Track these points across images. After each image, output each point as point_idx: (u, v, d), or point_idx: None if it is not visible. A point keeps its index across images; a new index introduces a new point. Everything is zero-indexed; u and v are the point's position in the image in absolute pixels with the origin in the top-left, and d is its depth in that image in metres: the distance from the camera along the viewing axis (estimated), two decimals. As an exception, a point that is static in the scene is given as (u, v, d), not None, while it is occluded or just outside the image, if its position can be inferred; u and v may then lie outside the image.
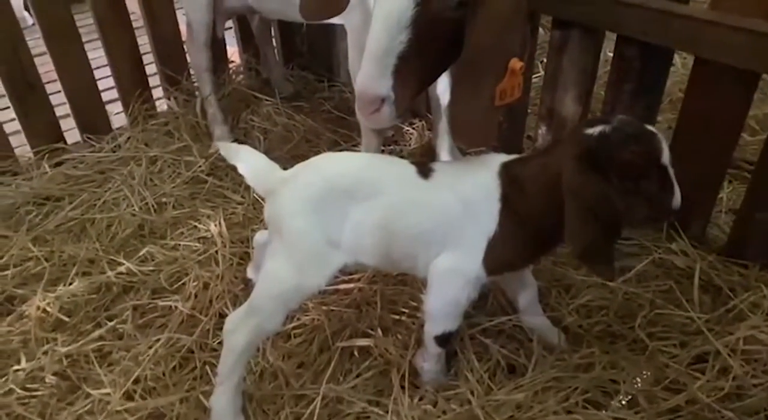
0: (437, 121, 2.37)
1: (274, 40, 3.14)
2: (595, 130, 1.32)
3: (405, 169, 1.51)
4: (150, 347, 1.73)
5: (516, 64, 1.41)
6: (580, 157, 1.29)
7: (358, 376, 1.66)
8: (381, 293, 1.87)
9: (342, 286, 1.93)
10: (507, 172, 1.44)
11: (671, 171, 1.36)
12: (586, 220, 1.29)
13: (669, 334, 1.71)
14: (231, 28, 3.14)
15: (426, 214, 1.44)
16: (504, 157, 1.49)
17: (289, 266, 1.47)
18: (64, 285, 1.96)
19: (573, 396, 1.51)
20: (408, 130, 2.72)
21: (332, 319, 1.82)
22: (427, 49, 1.41)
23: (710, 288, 1.86)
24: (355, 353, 1.73)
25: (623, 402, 1.53)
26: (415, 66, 1.42)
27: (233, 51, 3.21)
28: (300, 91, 3.09)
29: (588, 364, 1.61)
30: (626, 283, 1.86)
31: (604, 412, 1.48)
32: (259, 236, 1.81)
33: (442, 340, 1.52)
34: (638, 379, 1.56)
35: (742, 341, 1.61)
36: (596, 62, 2.08)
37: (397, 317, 1.79)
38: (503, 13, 1.40)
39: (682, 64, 2.92)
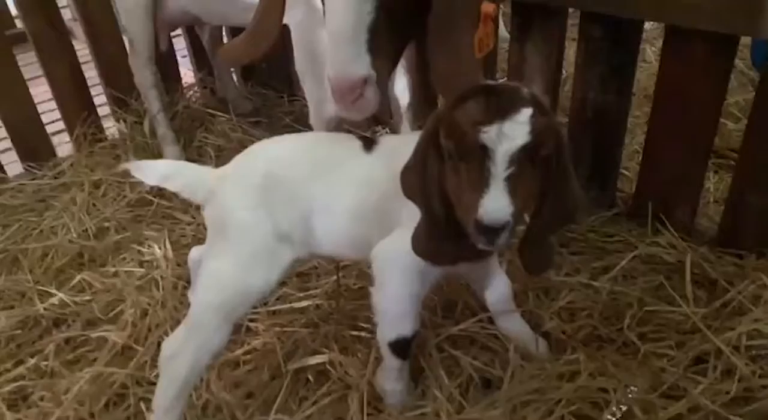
0: (398, 123, 2.21)
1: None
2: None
3: (349, 144, 1.36)
4: (75, 384, 1.52)
5: (488, 7, 1.30)
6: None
7: (314, 404, 1.45)
8: (340, 308, 1.67)
9: (296, 304, 1.73)
10: None
11: (497, 167, 0.99)
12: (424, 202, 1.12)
13: (662, 334, 1.52)
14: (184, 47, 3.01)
15: (365, 191, 1.29)
16: None
17: (232, 267, 1.31)
18: (-14, 321, 1.75)
19: (557, 410, 1.30)
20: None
21: (285, 340, 1.62)
22: (396, 11, 1.26)
23: (704, 282, 1.68)
24: (310, 378, 1.52)
25: (617, 414, 1.33)
26: (387, 34, 1.26)
27: (186, 71, 3.06)
28: (259, 108, 2.94)
29: (573, 372, 1.41)
30: (611, 281, 1.68)
31: (594, 426, 1.28)
32: (194, 252, 1.63)
33: (398, 347, 1.32)
34: (631, 387, 1.36)
35: (745, 337, 1.43)
36: (561, 48, 1.95)
37: (356, 333, 1.59)
38: None
39: (656, 58, 2.80)
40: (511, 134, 0.98)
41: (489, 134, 0.98)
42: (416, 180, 1.13)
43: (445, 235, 1.12)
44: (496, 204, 0.97)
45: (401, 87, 2.13)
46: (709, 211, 1.99)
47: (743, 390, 1.35)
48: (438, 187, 1.09)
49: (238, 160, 1.40)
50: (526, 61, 1.98)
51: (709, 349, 1.43)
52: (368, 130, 2.59)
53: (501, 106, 1.00)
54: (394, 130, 2.26)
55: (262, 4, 1.50)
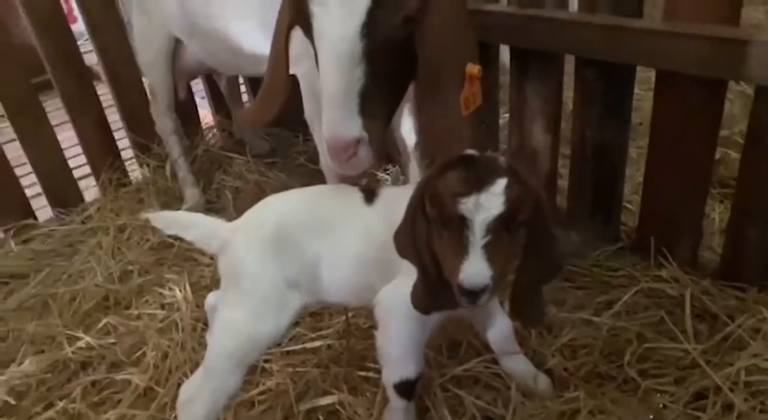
0: (406, 162, 2.28)
1: (246, 99, 3.14)
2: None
3: (351, 197, 1.44)
4: (100, 427, 1.61)
5: (473, 69, 1.35)
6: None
7: (325, 443, 1.52)
8: (350, 349, 1.74)
9: (309, 345, 1.80)
10: None
11: (475, 235, 1.07)
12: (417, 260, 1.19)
13: (663, 370, 1.55)
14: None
15: (366, 242, 1.36)
16: None
17: (243, 315, 1.38)
18: (17, 365, 1.85)
19: (557, 448, 1.34)
20: (383, 176, 2.64)
21: (297, 381, 1.69)
22: (385, 76, 1.34)
23: (706, 315, 1.70)
24: (321, 418, 1.58)
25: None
26: (378, 97, 1.34)
27: (206, 113, 3.19)
28: (275, 148, 3.05)
29: (573, 410, 1.45)
30: (613, 317, 1.71)
31: (593, 464, 1.32)
32: (210, 298, 1.70)
33: (403, 389, 1.38)
34: (630, 424, 1.39)
35: (744, 372, 1.45)
36: (560, 89, 2.01)
37: (365, 374, 1.65)
38: (447, 20, 1.34)
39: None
40: (487, 205, 1.06)
41: (467, 205, 1.06)
42: (408, 241, 1.21)
43: (440, 290, 1.19)
44: (474, 269, 1.05)
45: (407, 128, 2.21)
46: (713, 243, 2.00)
47: (743, 425, 1.37)
48: (428, 247, 1.17)
49: (249, 213, 1.49)
50: (527, 102, 2.05)
51: (709, 384, 1.45)
52: (380, 168, 2.68)
53: (478, 178, 1.08)
54: (404, 168, 2.34)
55: (270, 64, 1.60)
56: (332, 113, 1.29)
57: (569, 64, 1.96)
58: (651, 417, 1.42)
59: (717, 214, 2.14)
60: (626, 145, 1.94)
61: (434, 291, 1.20)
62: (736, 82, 1.82)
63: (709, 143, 1.72)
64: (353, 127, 1.28)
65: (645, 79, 2.71)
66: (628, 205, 2.20)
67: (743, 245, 1.75)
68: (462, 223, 1.07)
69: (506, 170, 1.10)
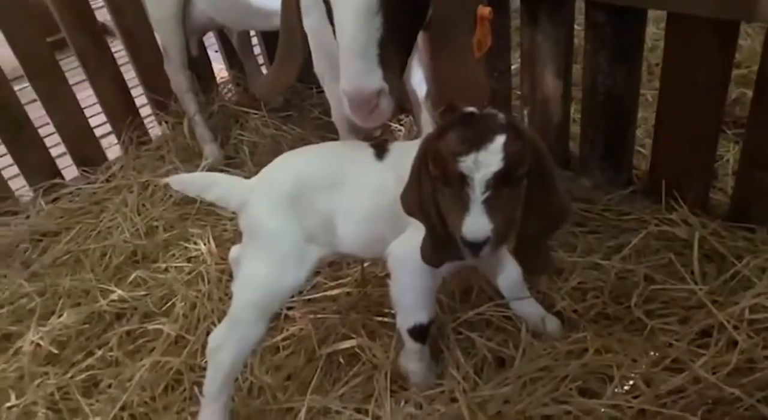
0: (418, 113, 2.30)
1: (258, 51, 3.14)
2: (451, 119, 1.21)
3: (363, 153, 1.49)
4: (137, 372, 1.72)
5: (484, 10, 1.38)
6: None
7: (345, 384, 1.61)
8: (368, 296, 1.81)
9: (329, 292, 1.89)
10: None
11: (475, 192, 1.12)
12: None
13: (669, 310, 1.60)
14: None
15: (377, 196, 1.41)
16: None
17: (266, 268, 1.46)
18: (57, 317, 1.97)
19: (564, 385, 1.42)
20: (396, 127, 2.66)
21: (319, 327, 1.78)
22: (401, 25, 1.36)
23: (714, 257, 1.73)
24: (342, 360, 1.68)
25: (621, 388, 1.43)
26: (394, 47, 1.36)
27: (221, 68, 3.21)
28: (290, 101, 3.07)
29: (581, 350, 1.52)
30: (623, 260, 1.76)
31: (598, 400, 1.39)
32: (234, 251, 1.78)
33: (417, 333, 1.46)
34: (635, 361, 1.46)
35: (748, 310, 1.50)
36: (571, 34, 1.99)
37: (382, 319, 1.73)
38: None
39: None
40: (485, 162, 1.11)
41: (466, 163, 1.11)
42: (414, 199, 1.26)
43: (447, 244, 1.24)
44: (475, 224, 1.12)
45: (418, 78, 2.21)
46: (727, 185, 2.01)
47: (745, 361, 1.42)
48: (433, 204, 1.23)
49: (266, 171, 1.54)
50: (538, 48, 2.03)
51: (714, 323, 1.50)
52: (392, 119, 2.69)
53: (476, 137, 1.12)
54: (416, 118, 2.35)
55: (283, 27, 1.61)
56: (353, 65, 1.30)
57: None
58: (656, 354, 1.48)
59: (731, 155, 2.13)
60: (637, 89, 1.93)
61: (441, 245, 1.26)
62: (747, 22, 1.79)
63: (720, 84, 1.71)
64: (375, 79, 1.29)
65: (663, 18, 2.65)
66: (641, 149, 2.20)
67: (753, 187, 1.76)
68: (463, 181, 1.12)
69: (505, 127, 1.14)
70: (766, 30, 1.57)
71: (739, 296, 1.55)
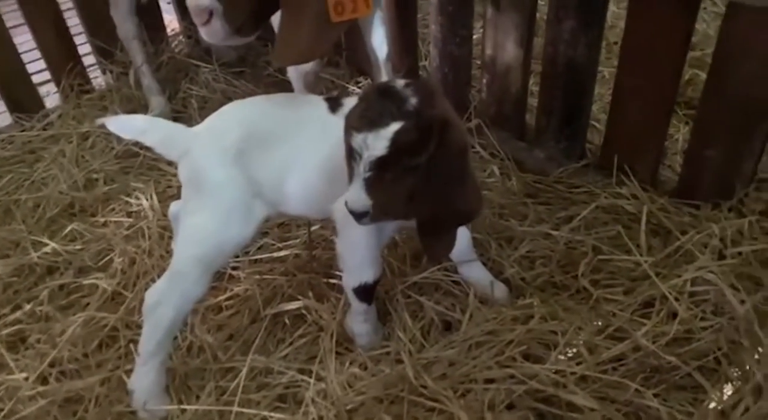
0: (376, 75, 2.25)
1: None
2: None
3: (316, 105, 1.44)
4: (69, 327, 1.63)
5: None
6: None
7: (290, 345, 1.58)
8: (316, 258, 1.77)
9: (276, 254, 1.83)
10: None
11: (360, 168, 1.13)
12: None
13: (615, 280, 1.62)
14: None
15: (329, 150, 1.36)
16: None
17: (211, 222, 1.39)
18: (-17, 269, 1.85)
19: (508, 350, 1.42)
20: (354, 89, 2.60)
21: (265, 287, 1.73)
22: None
23: (660, 231, 1.76)
24: (287, 321, 1.64)
25: (564, 355, 1.44)
26: None
27: (171, 19, 3.06)
28: (244, 57, 2.96)
29: (527, 316, 1.52)
30: (572, 231, 1.77)
31: (542, 365, 1.39)
32: (173, 207, 1.70)
33: (362, 292, 1.44)
34: (580, 329, 1.47)
35: (689, 283, 1.53)
36: (534, 2, 1.97)
37: (330, 281, 1.70)
38: None
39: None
40: (372, 145, 1.10)
41: (357, 140, 1.12)
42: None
43: None
44: (353, 196, 1.15)
45: (379, 39, 2.17)
46: (674, 163, 2.05)
47: (684, 332, 1.45)
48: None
49: (212, 119, 1.46)
50: (500, 14, 2.00)
51: (656, 294, 1.53)
52: (350, 81, 2.64)
53: (375, 117, 1.11)
54: (375, 80, 2.31)
55: None
56: None
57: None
58: (599, 323, 1.50)
59: (681, 134, 2.18)
60: (597, 61, 1.93)
61: None
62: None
63: (677, 63, 1.73)
64: None
65: (624, -4, 2.67)
66: (596, 124, 2.22)
67: (701, 165, 1.79)
68: (354, 153, 1.14)
69: (409, 114, 1.10)
70: (726, 6, 1.57)
71: (681, 269, 1.58)
